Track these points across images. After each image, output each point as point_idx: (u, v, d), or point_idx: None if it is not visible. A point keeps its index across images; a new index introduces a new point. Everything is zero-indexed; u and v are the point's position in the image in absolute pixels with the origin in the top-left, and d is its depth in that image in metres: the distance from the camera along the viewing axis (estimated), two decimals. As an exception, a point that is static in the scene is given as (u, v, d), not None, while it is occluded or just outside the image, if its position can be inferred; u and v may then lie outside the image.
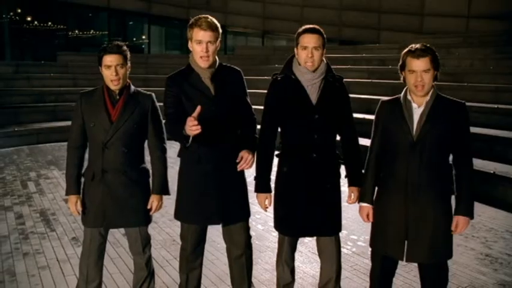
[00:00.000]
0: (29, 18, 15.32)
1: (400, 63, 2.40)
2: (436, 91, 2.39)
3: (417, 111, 2.34)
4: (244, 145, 2.61)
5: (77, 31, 16.83)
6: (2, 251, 3.84)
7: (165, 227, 4.46)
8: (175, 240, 4.13)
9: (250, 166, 2.59)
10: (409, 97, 2.38)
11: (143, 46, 18.43)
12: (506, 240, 4.37)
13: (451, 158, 2.47)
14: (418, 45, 2.34)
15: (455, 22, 13.37)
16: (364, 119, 8.41)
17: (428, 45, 2.34)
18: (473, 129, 6.95)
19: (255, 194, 2.69)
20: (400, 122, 2.35)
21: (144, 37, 18.27)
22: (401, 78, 2.42)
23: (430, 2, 14.02)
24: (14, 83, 11.12)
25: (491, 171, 5.75)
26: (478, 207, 5.31)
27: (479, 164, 6.14)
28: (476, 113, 7.86)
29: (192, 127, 2.31)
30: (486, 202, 5.54)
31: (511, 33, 11.61)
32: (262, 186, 2.65)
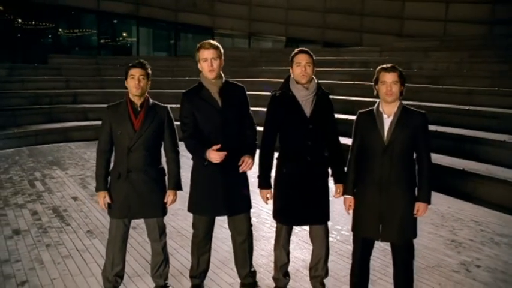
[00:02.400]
0: (19, 20, 15.51)
1: (374, 78, 2.96)
2: (402, 104, 2.94)
3: (387, 121, 2.90)
4: (245, 150, 3.14)
5: (66, 31, 17.09)
6: (26, 243, 4.30)
7: (169, 220, 4.93)
8: (179, 232, 4.64)
9: (250, 168, 3.14)
10: (380, 109, 2.94)
11: (129, 45, 18.76)
12: (470, 228, 4.97)
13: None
14: (389, 65, 2.90)
15: (434, 26, 13.96)
16: (347, 119, 8.97)
17: (396, 66, 2.90)
18: (448, 130, 7.67)
19: (258, 189, 3.22)
20: (374, 130, 2.91)
21: (132, 39, 18.60)
22: (375, 92, 2.97)
23: (410, 5, 14.62)
24: (9, 86, 11.40)
25: (461, 168, 6.37)
26: (449, 200, 5.97)
27: (451, 161, 6.77)
28: (450, 114, 8.49)
29: (214, 157, 2.96)
30: (456, 196, 6.17)
31: (485, 38, 12.31)
32: (264, 183, 3.19)
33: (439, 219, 5.24)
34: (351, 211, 3.11)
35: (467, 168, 6.37)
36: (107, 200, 3.17)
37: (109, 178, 3.22)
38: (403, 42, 13.77)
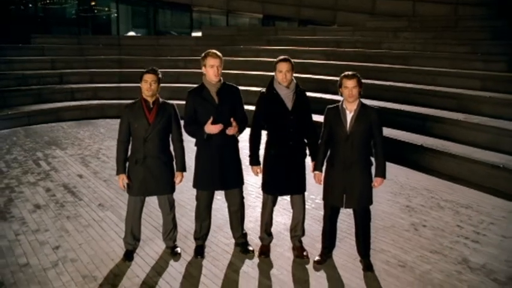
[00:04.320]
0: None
1: (338, 83, 3.76)
2: (360, 102, 3.76)
3: (349, 115, 3.72)
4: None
5: (47, 8, 17.17)
6: (49, 216, 5.03)
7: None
8: (179, 203, 5.41)
9: (235, 132, 3.87)
10: (344, 106, 3.76)
11: (109, 22, 18.96)
12: (423, 195, 5.93)
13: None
14: (350, 72, 3.70)
15: (404, 5, 14.45)
16: (321, 98, 9.81)
17: (356, 72, 3.70)
18: (413, 109, 8.59)
19: (250, 167, 4.05)
20: (339, 122, 3.73)
21: (112, 16, 18.80)
22: (339, 93, 3.77)
23: (382, -16, 15.23)
24: (-5, 67, 11.76)
25: (420, 144, 7.32)
26: (408, 172, 6.92)
27: (412, 138, 7.71)
28: (415, 94, 9.38)
29: (211, 129, 3.71)
30: (415, 168, 7.12)
31: (449, 19, 13.10)
32: (254, 161, 4.04)
33: (398, 188, 6.18)
34: (320, 183, 3.96)
35: (425, 144, 7.32)
36: (125, 181, 3.93)
37: (127, 164, 3.97)
38: (374, 22, 14.43)
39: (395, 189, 6.13)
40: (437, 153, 7.03)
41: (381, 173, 3.84)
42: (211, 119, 3.76)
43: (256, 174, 4.08)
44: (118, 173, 3.97)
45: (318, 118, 4.17)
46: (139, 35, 19.18)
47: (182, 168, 4.03)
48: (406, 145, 7.53)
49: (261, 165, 4.07)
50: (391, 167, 7.01)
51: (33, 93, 11.18)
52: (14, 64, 12.15)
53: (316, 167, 3.97)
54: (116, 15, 18.71)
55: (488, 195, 5.92)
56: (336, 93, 10.44)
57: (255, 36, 15.20)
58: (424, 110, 8.51)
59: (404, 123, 8.36)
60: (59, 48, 13.67)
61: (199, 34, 17.24)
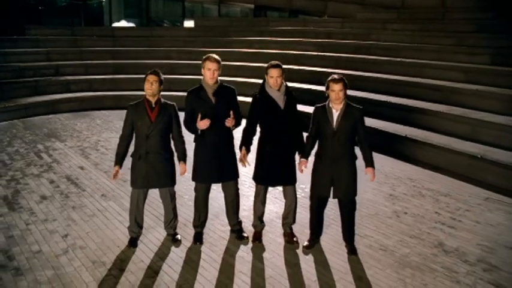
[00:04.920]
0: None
1: (326, 86, 4.09)
2: (346, 101, 4.10)
3: (335, 114, 4.06)
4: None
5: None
6: (55, 206, 5.35)
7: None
8: (178, 194, 5.76)
9: (232, 124, 4.19)
10: (331, 105, 4.10)
11: (102, 12, 19.03)
12: (406, 184, 6.33)
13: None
14: (336, 76, 4.03)
15: None
16: (311, 89, 10.14)
17: (342, 76, 4.04)
18: (399, 100, 8.93)
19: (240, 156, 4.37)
20: (326, 120, 4.07)
21: (104, 5, 18.87)
22: (326, 94, 4.11)
23: (372, -26, 15.42)
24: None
25: (404, 135, 7.71)
26: (393, 162, 7.31)
27: (398, 128, 8.10)
28: (402, 86, 9.73)
29: (201, 124, 4.05)
30: (399, 158, 7.52)
31: (437, 10, 13.38)
32: (245, 146, 4.33)
33: (383, 177, 6.57)
34: (303, 171, 4.26)
35: (409, 135, 7.71)
36: (120, 172, 4.24)
37: (129, 160, 4.30)
38: (364, 13, 14.68)
39: (380, 178, 6.51)
40: (420, 144, 7.42)
41: (370, 164, 4.17)
42: (199, 116, 4.09)
43: (243, 157, 4.27)
44: (115, 165, 4.29)
45: (309, 109, 4.51)
46: (132, 25, 19.28)
47: (183, 158, 4.35)
48: (392, 136, 7.91)
49: (253, 157, 4.40)
50: (377, 157, 7.34)
51: (29, 85, 11.35)
52: (10, 56, 12.29)
53: (303, 156, 4.31)
54: (108, 4, 18.77)
55: (467, 183, 6.33)
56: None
57: (247, 27, 15.43)
58: (410, 102, 8.88)
59: (391, 114, 8.74)
60: (54, 40, 13.80)
61: (191, 23, 17.37)
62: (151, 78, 4.15)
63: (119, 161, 4.31)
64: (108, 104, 11.59)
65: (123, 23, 19.39)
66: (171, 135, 4.35)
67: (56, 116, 10.60)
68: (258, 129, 4.42)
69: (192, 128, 4.25)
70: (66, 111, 10.97)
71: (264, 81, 4.33)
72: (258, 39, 14.11)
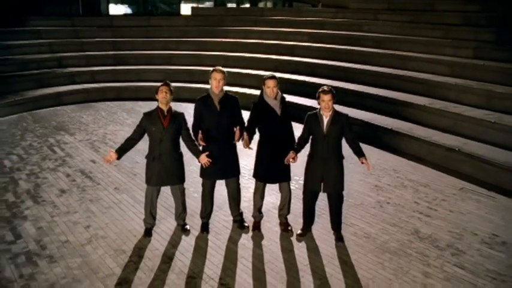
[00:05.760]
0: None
1: (317, 95, 4.67)
2: (334, 109, 4.69)
3: (325, 120, 4.66)
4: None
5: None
6: (74, 199, 5.96)
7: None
8: (185, 187, 6.38)
9: (238, 139, 4.78)
10: (321, 113, 4.69)
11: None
12: (390, 175, 6.97)
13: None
14: (326, 87, 4.62)
15: None
16: (305, 81, 10.68)
17: (331, 87, 4.62)
18: (386, 93, 9.51)
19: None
20: (317, 126, 4.68)
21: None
22: (318, 103, 4.70)
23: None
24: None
25: (390, 128, 8.33)
26: (379, 153, 7.93)
27: (384, 121, 8.70)
28: (390, 79, 10.27)
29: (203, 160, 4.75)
30: (386, 149, 8.15)
31: (426, 2, 13.75)
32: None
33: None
34: (289, 161, 4.78)
35: (394, 127, 8.33)
36: (113, 158, 4.69)
37: (145, 160, 4.90)
38: (357, 3, 15.07)
39: (367, 170, 7.12)
40: (404, 136, 8.05)
41: (362, 155, 4.75)
42: (205, 154, 4.76)
43: (246, 142, 4.75)
44: (115, 151, 4.77)
45: (303, 101, 5.10)
46: (129, 11, 19.51)
47: (197, 154, 4.86)
48: (379, 128, 8.53)
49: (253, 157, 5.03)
50: (365, 149, 7.92)
51: (34, 78, 11.78)
52: (14, 49, 12.69)
53: (294, 151, 4.83)
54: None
55: (445, 174, 6.99)
56: (321, 77, 11.36)
57: (241, 17, 15.81)
58: (397, 95, 9.46)
59: (379, 107, 9.34)
60: (55, 31, 14.17)
61: (187, 7, 17.65)
62: (165, 88, 4.73)
63: (119, 150, 4.80)
64: (111, 95, 12.09)
65: (119, 7, 19.51)
66: (180, 139, 4.93)
67: (62, 108, 11.10)
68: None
69: (196, 137, 4.84)
70: (71, 103, 11.47)
71: (262, 90, 4.90)
72: (253, 29, 14.52)
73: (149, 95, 11.73)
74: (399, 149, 8.09)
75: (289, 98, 9.31)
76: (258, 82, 10.98)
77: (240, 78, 11.95)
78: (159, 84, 4.85)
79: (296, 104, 9.42)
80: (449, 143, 7.40)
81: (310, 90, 8.37)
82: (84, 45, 13.93)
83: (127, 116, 10.33)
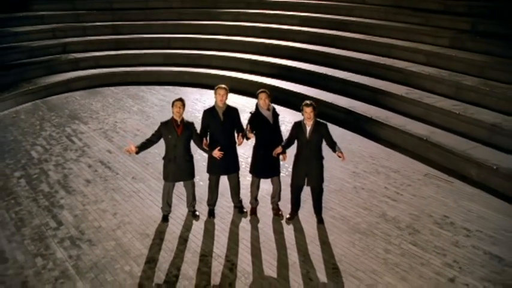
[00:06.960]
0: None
1: (301, 107, 5.72)
2: (315, 119, 5.75)
3: (308, 129, 5.74)
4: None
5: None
6: (99, 189, 7.06)
7: (181, 167, 7.76)
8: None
9: (241, 141, 5.88)
10: (305, 122, 5.76)
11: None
12: (367, 162, 8.11)
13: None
14: (308, 101, 5.67)
15: None
16: (295, 67, 11.53)
17: (312, 102, 5.67)
18: (368, 81, 10.47)
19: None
20: (301, 132, 5.76)
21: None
22: (302, 113, 5.75)
23: None
24: (1, 40, 12.98)
25: (370, 116, 9.38)
26: (360, 140, 9.02)
27: (365, 109, 9.71)
28: (372, 67, 11.16)
29: (217, 154, 5.78)
30: (366, 136, 9.20)
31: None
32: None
33: (350, 155, 8.31)
34: (280, 157, 5.96)
35: (374, 116, 9.37)
36: (133, 151, 5.75)
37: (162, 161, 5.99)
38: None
39: (348, 156, 8.20)
40: (381, 124, 9.09)
41: (338, 150, 5.78)
42: (217, 149, 5.82)
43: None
44: (136, 146, 5.82)
45: (292, 87, 6.11)
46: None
47: (209, 150, 5.92)
48: (360, 116, 9.56)
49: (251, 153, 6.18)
50: (347, 135, 9.17)
51: (43, 66, 12.55)
52: (20, 36, 13.42)
53: (282, 147, 5.91)
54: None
55: (415, 160, 8.12)
56: (310, 62, 12.15)
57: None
58: (378, 83, 10.38)
59: (361, 94, 10.33)
60: (57, 16, 14.82)
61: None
62: (179, 103, 5.76)
63: (140, 147, 5.85)
64: (116, 80, 12.89)
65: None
66: (191, 143, 6.00)
67: (71, 95, 12.00)
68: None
69: (200, 146, 5.96)
70: (79, 89, 12.34)
71: (257, 103, 5.95)
72: (246, 11, 15.08)
73: (151, 79, 12.80)
74: (377, 135, 9.14)
75: (278, 83, 10.33)
76: (250, 66, 11.88)
77: (237, 62, 12.66)
78: (174, 100, 5.87)
79: (294, 91, 10.38)
80: (420, 132, 8.48)
81: (302, 77, 9.41)
82: (86, 30, 14.62)
83: (133, 103, 11.28)
